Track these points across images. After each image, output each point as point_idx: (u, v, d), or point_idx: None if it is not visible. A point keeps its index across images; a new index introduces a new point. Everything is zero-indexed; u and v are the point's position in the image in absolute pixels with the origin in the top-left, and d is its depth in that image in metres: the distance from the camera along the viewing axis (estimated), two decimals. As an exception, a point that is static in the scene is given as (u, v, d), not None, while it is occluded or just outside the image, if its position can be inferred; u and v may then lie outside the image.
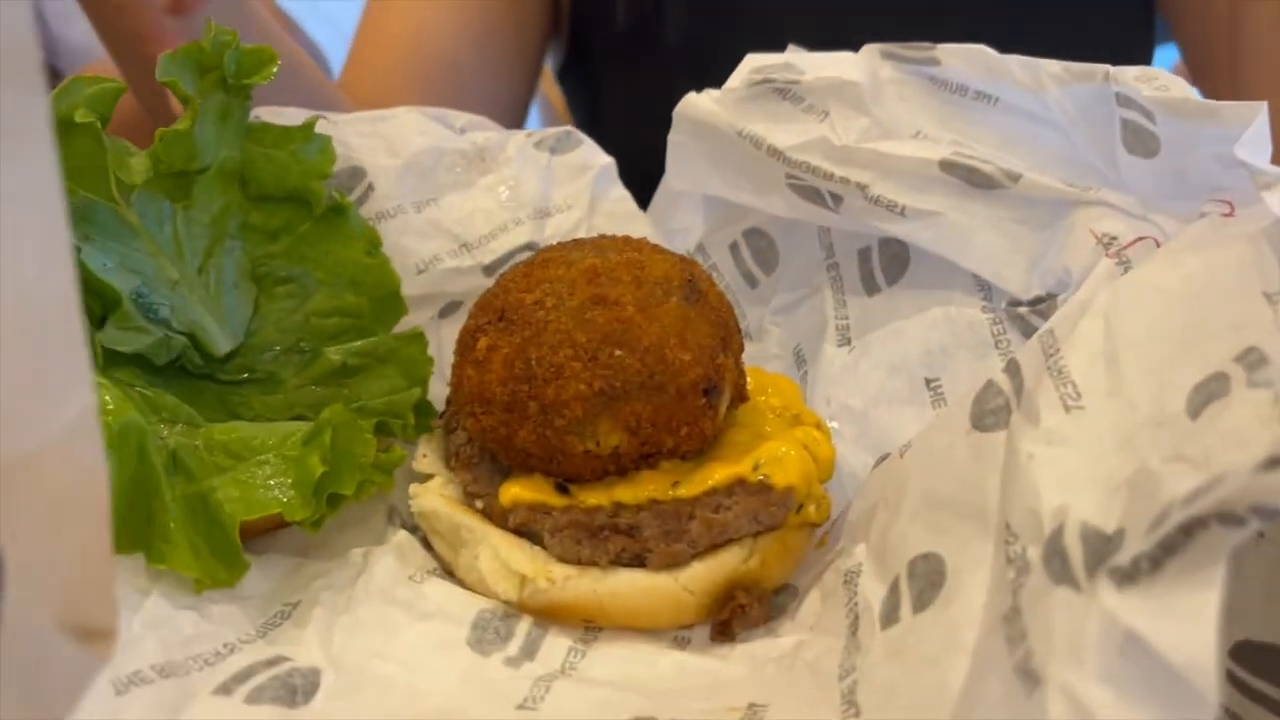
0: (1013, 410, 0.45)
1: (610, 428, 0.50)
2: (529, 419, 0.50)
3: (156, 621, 0.43)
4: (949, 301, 0.62)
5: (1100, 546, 0.33)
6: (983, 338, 0.60)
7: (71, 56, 1.27)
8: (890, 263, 0.66)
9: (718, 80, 0.70)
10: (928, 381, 0.60)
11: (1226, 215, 0.53)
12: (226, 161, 0.59)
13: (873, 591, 0.45)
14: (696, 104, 0.68)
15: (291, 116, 0.65)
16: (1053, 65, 0.60)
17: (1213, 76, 0.91)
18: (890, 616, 0.42)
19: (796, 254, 0.71)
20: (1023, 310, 0.59)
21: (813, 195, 0.65)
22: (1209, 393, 0.37)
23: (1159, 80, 0.55)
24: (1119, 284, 0.45)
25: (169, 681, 0.41)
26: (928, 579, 0.42)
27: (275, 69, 0.58)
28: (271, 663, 0.44)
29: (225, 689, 0.42)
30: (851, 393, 0.62)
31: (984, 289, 0.62)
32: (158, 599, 0.45)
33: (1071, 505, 0.35)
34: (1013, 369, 0.47)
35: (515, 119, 1.03)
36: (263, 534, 0.53)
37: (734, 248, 0.74)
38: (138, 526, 0.45)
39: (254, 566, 0.49)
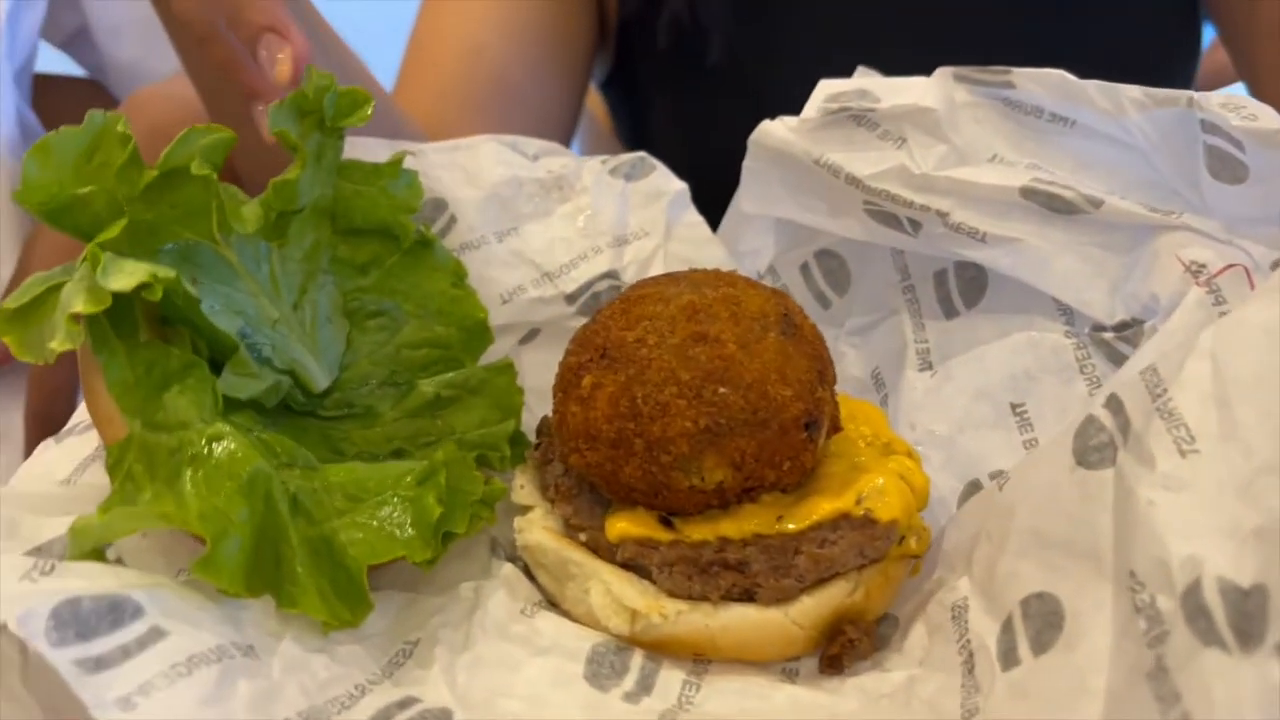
0: (1118, 448, 0.46)
1: (715, 463, 0.51)
2: (635, 455, 0.51)
3: (293, 665, 0.45)
4: (1030, 326, 0.63)
5: (1239, 602, 0.34)
6: (1067, 362, 0.60)
7: (119, 75, 1.27)
8: (967, 286, 0.67)
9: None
10: (1013, 407, 0.61)
11: (1320, 246, 0.54)
12: (320, 199, 0.61)
13: (985, 628, 0.46)
14: (772, 132, 0.68)
15: (368, 148, 0.66)
16: (1133, 90, 0.60)
17: (1257, 67, 0.90)
18: (1009, 657, 0.43)
19: (869, 275, 0.72)
20: (1107, 335, 0.60)
21: (890, 220, 0.66)
22: (1328, 440, 0.38)
23: (1247, 109, 0.56)
24: (1223, 323, 0.46)
25: (315, 727, 0.42)
26: (1044, 619, 0.43)
27: (370, 111, 0.59)
28: (403, 704, 0.45)
29: (366, 732, 0.43)
30: (936, 418, 0.63)
31: (1065, 313, 0.62)
32: (290, 643, 0.46)
33: (1203, 557, 0.36)
34: (1115, 405, 0.47)
35: (565, 135, 1.03)
36: (372, 570, 0.55)
37: (804, 268, 0.75)
38: (267, 571, 0.47)
39: (370, 605, 0.50)
